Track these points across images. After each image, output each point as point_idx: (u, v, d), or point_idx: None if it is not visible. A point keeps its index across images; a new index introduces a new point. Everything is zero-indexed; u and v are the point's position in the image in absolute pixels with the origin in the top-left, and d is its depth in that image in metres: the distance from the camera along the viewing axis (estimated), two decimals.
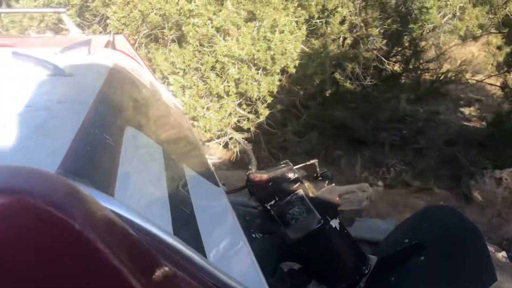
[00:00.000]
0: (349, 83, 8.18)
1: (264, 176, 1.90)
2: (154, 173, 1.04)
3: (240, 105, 6.54)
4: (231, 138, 6.97)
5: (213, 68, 5.99)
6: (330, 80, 7.91)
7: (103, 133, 0.94)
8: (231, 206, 1.35)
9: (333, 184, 1.89)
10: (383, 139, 8.77)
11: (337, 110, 8.28)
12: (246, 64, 5.96)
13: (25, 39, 3.12)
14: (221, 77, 5.98)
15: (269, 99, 6.09)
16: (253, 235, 1.88)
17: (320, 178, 1.93)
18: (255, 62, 6.04)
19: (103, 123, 1.00)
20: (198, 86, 5.95)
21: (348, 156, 8.55)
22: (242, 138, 6.86)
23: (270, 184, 1.85)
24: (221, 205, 1.29)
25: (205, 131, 5.95)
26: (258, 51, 5.86)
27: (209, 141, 7.29)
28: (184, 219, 0.96)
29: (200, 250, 0.91)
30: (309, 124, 7.57)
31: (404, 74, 9.51)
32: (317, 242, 1.92)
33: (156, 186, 0.98)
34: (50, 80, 1.23)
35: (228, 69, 5.82)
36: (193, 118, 6.01)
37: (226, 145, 7.35)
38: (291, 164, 1.96)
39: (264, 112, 6.17)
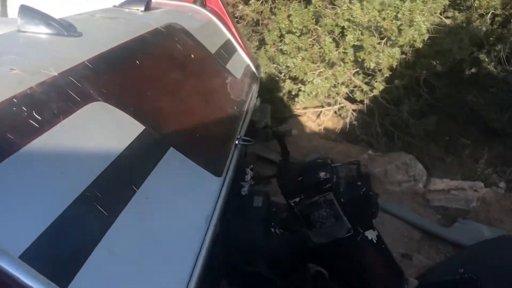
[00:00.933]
0: (493, 66, 7.20)
1: (294, 168, 1.71)
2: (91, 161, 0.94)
3: (356, 74, 6.16)
4: (341, 108, 6.66)
5: (331, 32, 5.67)
6: (470, 60, 7.05)
7: (32, 111, 0.86)
8: (217, 204, 1.21)
9: (371, 192, 1.64)
10: None
11: (470, 94, 7.38)
12: (369, 31, 5.53)
13: None
14: (338, 42, 5.64)
15: (387, 73, 5.61)
16: (272, 230, 1.73)
17: (359, 183, 1.68)
18: (380, 30, 5.57)
19: (47, 98, 0.92)
20: (313, 49, 5.70)
21: (474, 147, 7.68)
22: (353, 110, 6.51)
23: (299, 179, 1.66)
24: (197, 202, 1.16)
25: (311, 97, 5.73)
26: (383, 19, 5.38)
27: (321, 106, 7.06)
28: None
29: None
30: (430, 105, 6.87)
31: None
32: (344, 251, 1.70)
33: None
34: (41, 40, 1.19)
35: (347, 35, 5.46)
36: (302, 82, 5.81)
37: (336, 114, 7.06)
38: (331, 161, 1.73)
39: (379, 86, 5.73)
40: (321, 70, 5.71)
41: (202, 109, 1.60)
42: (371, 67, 5.58)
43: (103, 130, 1.07)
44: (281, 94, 6.44)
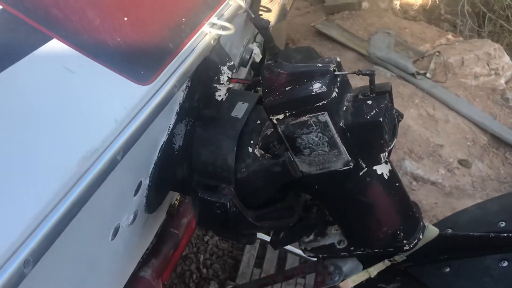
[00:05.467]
0: None
1: (283, 73, 1.24)
2: None
3: None
4: None
5: None
6: None
7: None
8: (124, 130, 0.82)
9: (381, 119, 1.16)
10: None
11: None
12: None
13: None
14: None
15: None
16: (250, 149, 1.34)
17: (369, 102, 1.20)
18: None
19: None
20: None
21: None
22: None
23: (287, 88, 1.21)
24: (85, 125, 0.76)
25: None
26: None
27: None
28: None
29: None
30: None
31: None
32: (341, 186, 1.31)
33: None
34: None
35: None
36: None
37: None
38: (336, 66, 1.24)
39: None
40: None
41: None
42: None
43: None
44: None
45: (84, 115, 0.81)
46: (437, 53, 4.84)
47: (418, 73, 4.62)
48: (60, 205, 0.73)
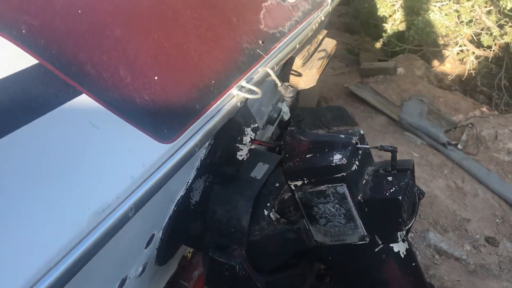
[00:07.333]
0: None
1: (305, 141, 1.25)
2: None
3: (488, 13, 5.09)
4: (462, 51, 5.64)
5: None
6: None
7: None
8: (140, 186, 0.83)
9: (400, 197, 1.14)
10: None
11: None
12: None
13: None
14: None
15: None
16: (266, 212, 1.33)
17: (389, 179, 1.19)
18: None
19: None
20: None
21: None
22: (477, 56, 5.48)
23: (307, 156, 1.21)
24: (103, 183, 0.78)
25: (424, 34, 4.86)
26: None
27: (445, 45, 6.06)
28: None
29: None
30: None
31: None
32: (356, 260, 1.28)
33: None
34: None
35: None
36: (416, 13, 4.93)
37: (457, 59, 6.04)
38: (359, 139, 1.24)
39: None
40: (443, 3, 4.77)
41: (161, 30, 1.12)
42: (508, 8, 4.53)
43: None
44: (391, 24, 5.59)
45: (101, 170, 0.82)
46: (470, 125, 4.78)
47: (449, 144, 4.55)
48: (65, 259, 0.73)
